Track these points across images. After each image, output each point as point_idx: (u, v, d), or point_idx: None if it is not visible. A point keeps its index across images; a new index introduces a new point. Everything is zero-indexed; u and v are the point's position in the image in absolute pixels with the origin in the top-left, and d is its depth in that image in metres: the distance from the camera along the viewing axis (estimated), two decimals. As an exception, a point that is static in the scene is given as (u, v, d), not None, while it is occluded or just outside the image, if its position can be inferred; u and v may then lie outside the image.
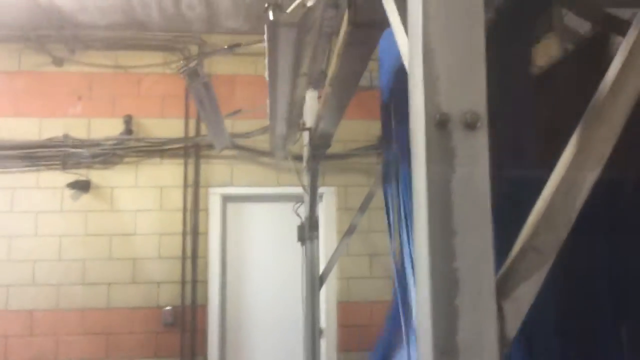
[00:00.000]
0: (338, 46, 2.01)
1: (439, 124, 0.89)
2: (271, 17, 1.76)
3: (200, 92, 2.56)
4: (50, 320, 4.94)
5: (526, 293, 0.91)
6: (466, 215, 0.88)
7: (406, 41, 1.14)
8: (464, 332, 0.86)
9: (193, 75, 2.37)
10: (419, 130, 0.91)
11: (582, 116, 0.97)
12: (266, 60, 1.79)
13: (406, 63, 1.08)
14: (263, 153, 5.14)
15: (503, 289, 0.90)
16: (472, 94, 0.90)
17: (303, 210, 4.15)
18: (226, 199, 5.26)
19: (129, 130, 5.14)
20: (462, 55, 0.91)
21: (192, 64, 2.41)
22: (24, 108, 5.15)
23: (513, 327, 0.89)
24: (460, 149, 0.89)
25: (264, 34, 1.71)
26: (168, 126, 5.24)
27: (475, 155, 0.89)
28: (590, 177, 0.93)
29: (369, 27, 1.64)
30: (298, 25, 1.53)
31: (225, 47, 3.26)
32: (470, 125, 0.89)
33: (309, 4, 1.53)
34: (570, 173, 0.93)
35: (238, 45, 3.13)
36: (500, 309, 0.89)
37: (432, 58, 0.90)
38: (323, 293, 4.24)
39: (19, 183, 5.04)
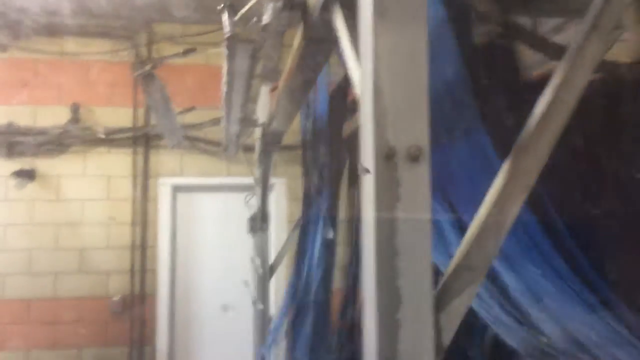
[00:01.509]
0: (292, 53, 2.09)
1: (386, 157, 0.99)
2: (227, 26, 1.82)
3: (155, 96, 2.59)
4: (-5, 310, 4.86)
5: (459, 306, 1.03)
6: (408, 238, 0.99)
7: (357, 67, 1.24)
8: (404, 343, 0.97)
9: (148, 78, 2.39)
10: (369, 162, 1.01)
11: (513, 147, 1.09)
12: (223, 71, 1.85)
13: (358, 93, 1.17)
14: (214, 144, 5.15)
15: (439, 304, 1.02)
16: (416, 129, 1.00)
17: (254, 201, 4.22)
18: (176, 189, 5.27)
19: (75, 119, 5.06)
20: (409, 94, 1.01)
21: (148, 68, 2.43)
22: (-34, 95, 4.99)
23: (448, 337, 1.01)
24: (404, 179, 1.00)
25: (214, 23, 1.76)
26: (116, 115, 5.18)
27: (418, 185, 1.00)
28: (516, 204, 1.05)
29: (322, 42, 1.73)
30: (255, 42, 1.60)
31: (181, 52, 3.28)
32: (414, 158, 1.00)
33: (265, 21, 1.60)
34: (500, 199, 1.05)
35: (193, 50, 3.16)
36: (437, 321, 1.00)
37: (381, 97, 1.00)
38: (273, 281, 4.33)
39: (-39, 171, 4.91)
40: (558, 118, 1.07)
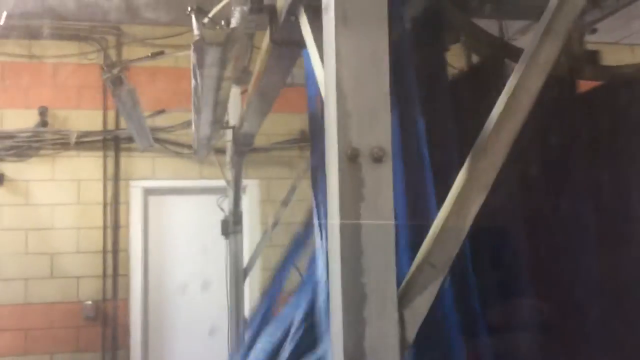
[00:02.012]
0: (261, 56, 2.11)
1: (350, 158, 1.02)
2: (196, 29, 1.83)
3: (124, 99, 2.58)
4: (-38, 317, 4.77)
5: (423, 302, 1.06)
6: (372, 237, 1.02)
7: (322, 70, 1.26)
8: (370, 339, 1.00)
9: (117, 82, 2.39)
10: (333, 162, 1.04)
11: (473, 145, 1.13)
12: (192, 74, 1.86)
13: (323, 95, 1.19)
14: (185, 146, 5.13)
15: (403, 300, 1.05)
16: (379, 131, 1.03)
17: (227, 204, 4.22)
18: (148, 192, 5.24)
19: (44, 122, 4.99)
20: (371, 97, 1.04)
21: (116, 71, 2.43)
22: None
23: (412, 333, 1.04)
24: (368, 179, 1.02)
25: (183, 25, 1.77)
26: (85, 118, 5.13)
27: (381, 185, 1.03)
28: (476, 203, 1.09)
29: (289, 45, 1.75)
30: (223, 44, 1.61)
31: (149, 54, 3.27)
32: (377, 159, 1.03)
33: (233, 24, 1.62)
34: (460, 199, 1.08)
35: (161, 53, 3.15)
36: (401, 318, 1.03)
37: (344, 99, 1.03)
38: (247, 284, 4.34)
39: None
40: (515, 120, 1.10)
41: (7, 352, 4.81)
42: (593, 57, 2.22)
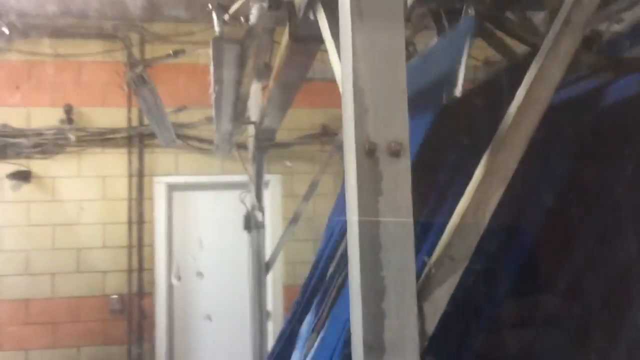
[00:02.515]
0: (280, 52, 2.12)
1: (368, 152, 1.03)
2: (216, 26, 1.85)
3: (147, 96, 2.62)
4: (-7, 311, 4.89)
5: (442, 295, 1.07)
6: (391, 231, 1.02)
7: (339, 66, 1.27)
8: (389, 331, 1.01)
9: (139, 81, 2.42)
10: (351, 157, 1.05)
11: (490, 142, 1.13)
12: (211, 71, 1.88)
13: (341, 90, 1.20)
14: (208, 142, 5.18)
15: (423, 293, 1.05)
16: (396, 126, 1.04)
17: (249, 199, 4.25)
18: (171, 188, 5.30)
19: (69, 120, 5.08)
20: (387, 92, 1.04)
21: (138, 70, 2.46)
22: (-40, 98, 5.01)
23: (431, 325, 1.05)
24: (386, 173, 1.03)
25: (204, 22, 1.79)
26: (110, 115, 5.20)
27: (399, 179, 1.03)
28: (495, 196, 1.09)
29: (308, 40, 1.76)
30: (241, 42, 1.63)
31: (171, 53, 3.30)
32: (394, 153, 1.03)
33: (252, 20, 1.63)
34: (479, 192, 1.09)
35: (182, 51, 3.19)
36: (420, 310, 1.04)
37: (361, 95, 1.03)
38: (269, 277, 4.37)
39: (-43, 174, 4.93)
40: (534, 112, 1.10)
41: (36, 345, 4.93)
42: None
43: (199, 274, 5.31)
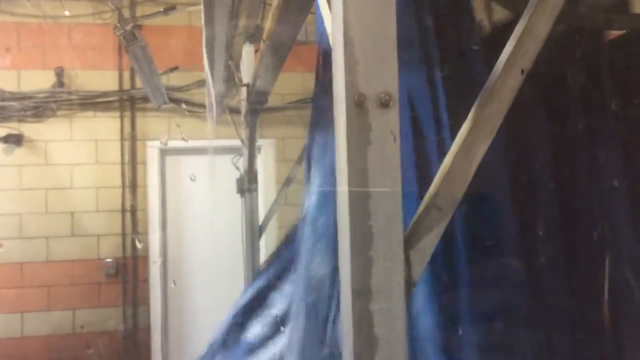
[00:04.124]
0: (272, 10, 2.11)
1: (357, 103, 1.04)
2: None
3: (138, 54, 2.60)
4: (-12, 275, 4.93)
5: (429, 244, 1.10)
6: (379, 181, 1.05)
7: (330, 19, 1.28)
8: (376, 277, 1.04)
9: (130, 38, 2.40)
10: (340, 108, 1.06)
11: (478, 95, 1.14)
12: (203, 28, 1.87)
13: (331, 42, 1.21)
14: (200, 106, 5.17)
15: (410, 241, 1.08)
16: (385, 77, 1.05)
17: (242, 162, 4.26)
18: (164, 152, 5.30)
19: (60, 83, 5.04)
20: (377, 43, 1.05)
21: (129, 27, 2.44)
22: (-52, 59, 4.95)
23: (417, 273, 1.08)
24: (375, 124, 1.05)
25: None
26: (102, 78, 5.17)
27: (388, 130, 1.05)
28: (482, 147, 1.11)
29: (300, -4, 1.75)
30: (233, -3, 1.63)
31: (162, 10, 3.27)
32: (384, 104, 1.05)
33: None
34: (466, 143, 1.11)
35: (173, 8, 3.16)
36: (407, 258, 1.07)
37: (351, 45, 1.04)
38: (262, 241, 4.42)
39: (-53, 137, 4.91)
40: (520, 66, 1.12)
41: (31, 308, 4.98)
42: (623, 5, 2.15)
43: (192, 239, 5.35)
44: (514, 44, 1.12)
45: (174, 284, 5.16)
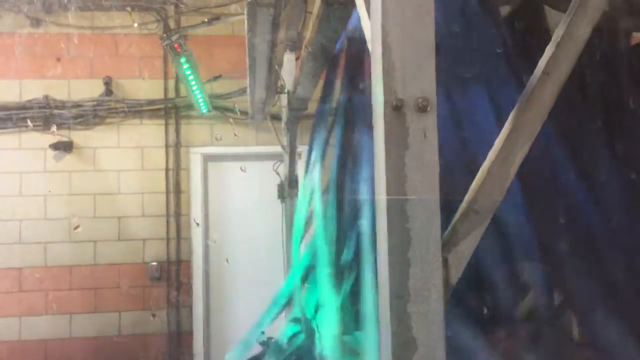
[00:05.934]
0: (312, 19, 2.14)
1: (395, 108, 1.06)
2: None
3: (183, 64, 2.68)
4: (39, 276, 5.10)
5: (467, 247, 1.10)
6: (417, 184, 1.06)
7: (369, 25, 1.30)
8: (414, 280, 1.05)
9: (176, 48, 2.48)
10: (379, 112, 1.08)
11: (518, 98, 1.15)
12: (246, 36, 1.92)
13: (370, 48, 1.23)
14: (243, 113, 5.24)
15: (448, 245, 1.09)
16: (423, 82, 1.07)
17: (282, 168, 4.32)
18: (207, 158, 5.40)
19: (109, 92, 5.20)
20: (415, 49, 1.07)
21: (174, 38, 2.51)
22: (4, 70, 5.16)
23: (455, 275, 1.09)
24: (412, 128, 1.06)
25: None
26: (147, 87, 5.31)
27: (425, 134, 1.07)
28: (521, 152, 1.11)
29: (340, 5, 1.78)
30: (274, 5, 1.66)
31: (205, 20, 3.35)
32: (421, 109, 1.06)
33: (285, -15, 1.66)
34: (505, 148, 1.11)
35: (217, 18, 3.23)
36: (445, 261, 1.08)
37: (389, 51, 1.06)
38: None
39: (2, 144, 5.11)
40: (562, 70, 1.11)
41: (79, 309, 5.13)
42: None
43: (233, 244, 5.43)
44: (554, 48, 1.12)
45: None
